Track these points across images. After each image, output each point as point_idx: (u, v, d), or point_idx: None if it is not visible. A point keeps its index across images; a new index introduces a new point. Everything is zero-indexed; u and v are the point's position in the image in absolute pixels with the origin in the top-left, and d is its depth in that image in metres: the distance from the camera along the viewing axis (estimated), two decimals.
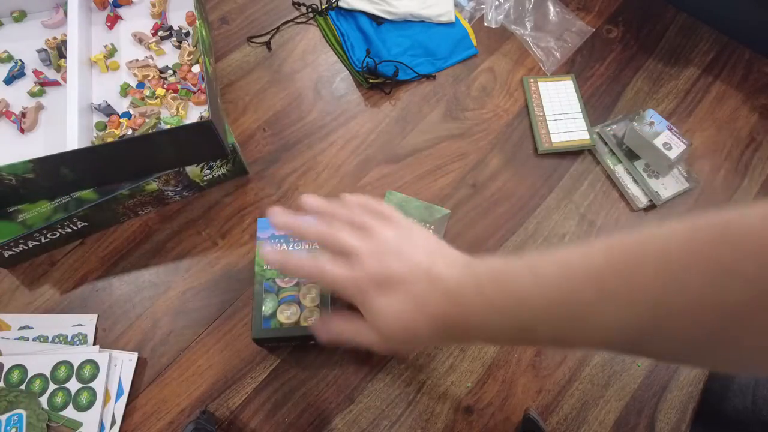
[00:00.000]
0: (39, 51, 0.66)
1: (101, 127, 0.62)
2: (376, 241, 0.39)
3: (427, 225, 0.55)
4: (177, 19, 0.70)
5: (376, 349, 0.40)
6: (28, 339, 0.56)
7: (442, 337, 0.38)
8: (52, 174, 0.54)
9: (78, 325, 0.57)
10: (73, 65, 0.62)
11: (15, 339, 0.56)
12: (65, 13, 0.67)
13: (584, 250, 0.32)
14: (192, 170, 0.60)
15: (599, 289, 0.30)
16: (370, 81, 0.71)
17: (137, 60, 0.66)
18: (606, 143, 0.68)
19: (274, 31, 0.75)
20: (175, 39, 0.68)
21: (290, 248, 0.55)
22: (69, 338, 0.56)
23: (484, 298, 0.35)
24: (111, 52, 0.67)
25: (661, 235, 0.29)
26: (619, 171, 0.66)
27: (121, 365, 0.55)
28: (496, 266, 0.36)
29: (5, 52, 0.67)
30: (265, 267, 0.54)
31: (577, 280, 0.31)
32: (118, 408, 0.53)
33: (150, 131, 0.61)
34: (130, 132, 0.61)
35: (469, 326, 0.36)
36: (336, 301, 0.56)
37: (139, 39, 0.68)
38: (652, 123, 0.65)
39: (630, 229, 0.63)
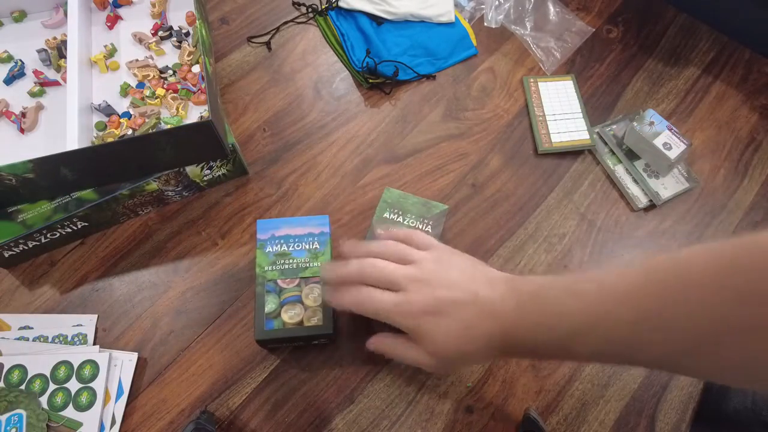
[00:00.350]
0: (39, 51, 0.66)
1: (101, 127, 0.62)
2: (421, 270, 0.42)
3: (426, 221, 0.55)
4: (177, 19, 0.70)
5: (426, 369, 0.43)
6: (28, 339, 0.56)
7: (488, 354, 0.41)
8: (52, 174, 0.54)
9: (78, 325, 0.57)
10: (73, 65, 0.62)
11: (15, 339, 0.56)
12: (65, 14, 0.67)
13: (621, 270, 0.34)
14: (192, 170, 0.60)
15: (636, 309, 0.31)
16: (370, 81, 0.71)
17: (137, 60, 0.66)
18: (606, 143, 0.68)
19: (274, 31, 0.75)
20: (175, 39, 0.68)
21: (290, 250, 0.55)
22: (69, 338, 0.56)
23: (525, 315, 0.38)
24: (111, 52, 0.67)
25: (694, 258, 0.31)
26: (619, 171, 0.66)
27: (121, 365, 0.55)
28: (536, 283, 0.39)
29: (5, 52, 0.67)
30: (265, 268, 0.54)
31: (613, 300, 0.33)
32: (118, 408, 0.53)
33: (150, 131, 0.61)
34: (130, 132, 0.61)
35: (514, 341, 0.38)
36: None
37: (139, 39, 0.68)
38: (652, 123, 0.65)
39: (633, 229, 0.63)
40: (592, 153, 0.68)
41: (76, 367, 0.54)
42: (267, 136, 0.68)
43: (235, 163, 0.62)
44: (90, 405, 0.52)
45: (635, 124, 0.65)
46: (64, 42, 0.66)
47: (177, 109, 0.62)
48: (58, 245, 0.61)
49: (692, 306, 0.29)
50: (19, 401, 0.52)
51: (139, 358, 0.55)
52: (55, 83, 0.66)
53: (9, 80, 0.65)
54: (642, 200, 0.64)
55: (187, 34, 0.69)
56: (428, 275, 0.42)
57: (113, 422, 0.52)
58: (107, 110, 0.62)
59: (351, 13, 0.75)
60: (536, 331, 0.37)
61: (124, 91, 0.64)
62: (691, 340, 0.29)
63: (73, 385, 0.53)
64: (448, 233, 0.62)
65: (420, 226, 0.55)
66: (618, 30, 0.77)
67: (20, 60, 0.66)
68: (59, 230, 0.58)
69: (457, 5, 0.78)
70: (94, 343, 0.56)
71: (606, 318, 0.33)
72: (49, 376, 0.53)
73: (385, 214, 0.56)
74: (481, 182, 0.66)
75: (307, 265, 0.54)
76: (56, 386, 0.53)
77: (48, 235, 0.58)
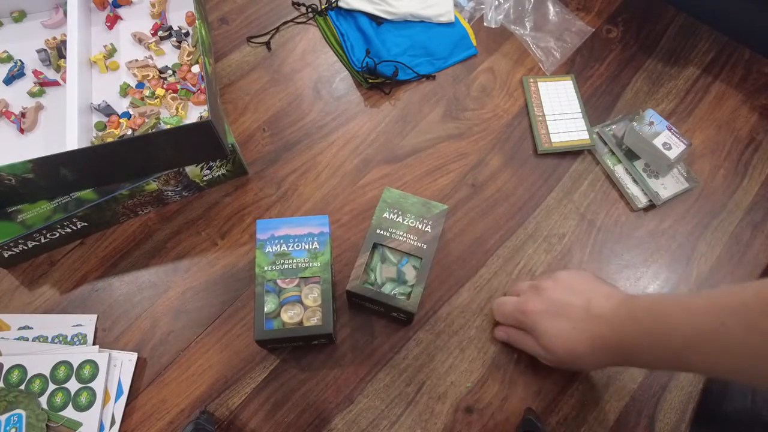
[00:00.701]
0: (39, 51, 0.66)
1: (101, 127, 0.62)
2: (546, 294, 0.50)
3: (425, 221, 0.55)
4: (177, 19, 0.70)
5: (545, 362, 0.51)
6: (27, 339, 0.56)
7: (599, 358, 0.45)
8: (51, 174, 0.54)
9: (78, 325, 0.57)
10: (72, 65, 0.62)
11: (15, 339, 0.56)
12: (65, 14, 0.67)
13: (733, 289, 0.37)
14: (192, 170, 0.60)
15: (747, 326, 0.34)
16: (370, 81, 0.71)
17: (137, 60, 0.66)
18: (606, 143, 0.68)
19: (273, 31, 0.75)
20: (174, 39, 0.68)
21: (290, 250, 0.55)
22: (69, 338, 0.56)
23: (637, 325, 0.41)
24: (111, 52, 0.67)
25: None
26: (619, 171, 0.66)
27: (121, 365, 0.55)
28: (650, 298, 0.43)
29: (5, 52, 0.67)
30: (265, 268, 0.54)
31: (725, 314, 0.35)
32: (118, 408, 0.53)
33: (149, 131, 0.61)
34: (129, 132, 0.61)
35: (624, 349, 0.42)
36: (336, 301, 0.56)
37: (139, 39, 0.68)
38: (651, 123, 0.64)
39: (632, 229, 0.63)
40: (591, 153, 0.68)
41: (75, 367, 0.54)
42: (267, 136, 0.68)
43: (235, 163, 0.62)
44: (89, 405, 0.52)
45: (635, 124, 0.65)
46: (63, 42, 0.66)
47: (176, 109, 0.62)
48: (57, 245, 0.61)
49: None
50: (18, 401, 0.52)
51: (138, 358, 0.55)
52: (55, 83, 0.66)
53: (9, 80, 0.65)
54: (642, 200, 0.64)
55: (187, 34, 0.69)
56: (552, 295, 0.50)
57: (113, 422, 0.52)
58: (107, 110, 0.62)
59: (351, 13, 0.75)
60: (651, 343, 0.40)
61: (124, 91, 0.64)
62: None
63: (73, 385, 0.53)
64: (447, 233, 0.62)
65: (420, 226, 0.55)
66: (618, 30, 0.77)
67: (20, 60, 0.66)
68: (59, 230, 0.58)
69: (456, 5, 0.78)
70: (94, 343, 0.56)
71: (717, 331, 0.35)
72: (48, 376, 0.53)
73: (384, 214, 0.56)
74: (481, 182, 0.66)
75: (307, 265, 0.54)
76: (56, 386, 0.53)
77: (48, 235, 0.58)
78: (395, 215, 0.56)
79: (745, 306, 0.34)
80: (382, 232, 0.55)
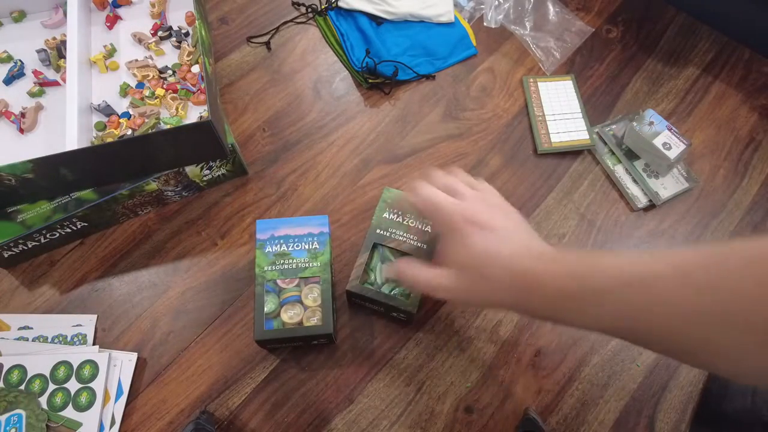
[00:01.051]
0: (38, 51, 0.66)
1: (101, 127, 0.62)
2: (484, 194, 0.46)
3: (425, 221, 0.55)
4: (176, 19, 0.70)
5: (439, 291, 0.44)
6: (27, 339, 0.56)
7: (505, 290, 0.41)
8: (51, 174, 0.54)
9: (77, 326, 0.57)
10: (72, 65, 0.62)
11: (14, 339, 0.56)
12: (65, 14, 0.67)
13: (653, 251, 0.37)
14: (191, 170, 0.60)
15: (683, 275, 0.32)
16: (370, 81, 0.71)
17: (137, 60, 0.66)
18: (605, 143, 0.68)
19: (273, 31, 0.75)
20: (174, 39, 0.68)
21: (290, 250, 0.55)
22: (68, 338, 0.56)
23: (560, 261, 0.39)
24: (110, 52, 0.67)
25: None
26: (619, 171, 0.66)
27: (121, 365, 0.55)
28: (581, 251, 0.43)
29: (5, 52, 0.67)
30: (265, 268, 0.54)
31: (660, 263, 0.34)
32: (118, 408, 0.53)
33: (149, 131, 0.61)
34: (129, 132, 0.61)
35: (538, 287, 0.39)
36: (336, 301, 0.56)
37: (139, 39, 0.68)
38: (651, 123, 0.65)
39: (632, 228, 0.63)
40: (591, 153, 0.68)
41: (75, 367, 0.54)
42: (266, 136, 0.68)
43: (235, 163, 0.62)
44: (89, 405, 0.52)
45: (635, 124, 0.65)
46: (63, 42, 0.66)
47: (176, 109, 0.62)
48: (57, 245, 0.61)
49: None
50: (18, 401, 0.52)
51: (138, 358, 0.55)
52: (55, 83, 0.66)
53: (8, 80, 0.65)
54: (641, 200, 0.64)
55: (187, 34, 0.69)
56: (491, 199, 0.45)
57: (113, 422, 0.52)
58: (107, 110, 0.62)
59: (351, 13, 0.75)
60: (567, 281, 0.37)
61: (124, 91, 0.64)
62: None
63: (73, 385, 0.53)
64: None
65: (420, 226, 0.55)
66: (618, 30, 0.77)
67: (20, 60, 0.66)
68: (59, 230, 0.58)
69: (456, 5, 0.78)
70: (94, 343, 0.56)
71: (647, 275, 0.33)
72: (48, 376, 0.53)
73: (384, 214, 0.56)
74: None
75: (307, 265, 0.54)
76: (56, 386, 0.53)
77: (47, 236, 0.58)
78: (395, 215, 0.56)
79: (683, 259, 0.33)
80: (382, 232, 0.55)
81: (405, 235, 0.55)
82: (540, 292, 0.39)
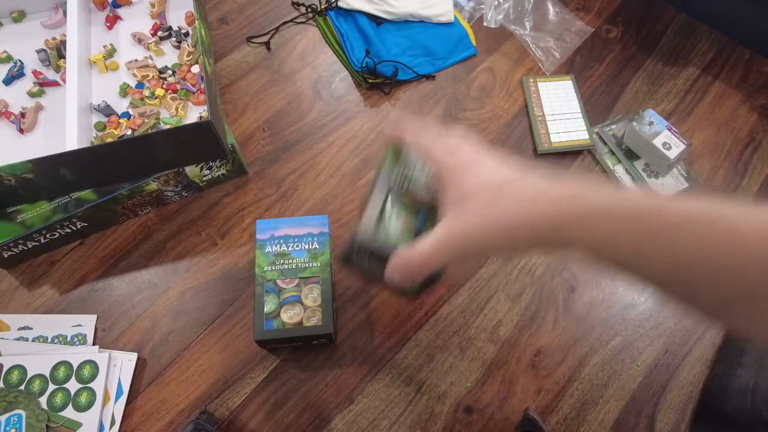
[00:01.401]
0: (38, 51, 0.66)
1: (100, 127, 0.62)
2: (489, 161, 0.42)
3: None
4: (176, 19, 0.70)
5: (438, 248, 0.39)
6: (27, 339, 0.56)
7: (514, 231, 0.37)
8: (51, 174, 0.54)
9: (77, 326, 0.57)
10: (72, 65, 0.62)
11: (14, 339, 0.56)
12: (65, 14, 0.67)
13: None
14: (191, 170, 0.60)
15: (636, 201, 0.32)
16: (370, 81, 0.70)
17: (136, 60, 0.66)
18: (605, 143, 0.68)
19: (273, 32, 0.75)
20: (174, 39, 0.67)
21: (290, 250, 0.55)
22: (68, 338, 0.56)
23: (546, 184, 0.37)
24: (110, 52, 0.67)
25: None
26: (619, 171, 0.66)
27: (121, 365, 0.55)
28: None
29: (5, 52, 0.67)
30: (265, 268, 0.54)
31: (658, 199, 0.32)
32: (118, 408, 0.53)
33: (149, 131, 0.61)
34: (129, 132, 0.61)
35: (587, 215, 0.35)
36: (336, 301, 0.56)
37: (139, 39, 0.68)
38: (651, 123, 0.65)
39: None
40: (591, 153, 0.68)
41: (75, 367, 0.54)
42: (266, 137, 0.68)
43: (235, 163, 0.62)
44: (89, 405, 0.52)
45: (635, 124, 0.65)
46: (63, 42, 0.66)
47: (176, 109, 0.62)
48: (57, 245, 0.61)
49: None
50: (18, 401, 0.52)
51: (138, 359, 0.55)
52: (55, 83, 0.66)
53: (8, 80, 0.65)
54: None
55: (187, 34, 0.68)
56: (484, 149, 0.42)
57: (113, 422, 0.52)
58: (106, 110, 0.62)
59: (350, 13, 0.75)
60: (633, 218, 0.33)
61: (124, 91, 0.64)
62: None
63: (73, 385, 0.53)
64: None
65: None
66: (617, 30, 0.77)
67: (20, 60, 0.66)
68: (59, 230, 0.58)
69: (456, 5, 0.78)
70: (94, 344, 0.56)
71: (650, 209, 0.32)
72: (48, 376, 0.53)
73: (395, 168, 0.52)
74: None
75: (307, 265, 0.54)
76: (56, 386, 0.53)
77: (47, 236, 0.58)
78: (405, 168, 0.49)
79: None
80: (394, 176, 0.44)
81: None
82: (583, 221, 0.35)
